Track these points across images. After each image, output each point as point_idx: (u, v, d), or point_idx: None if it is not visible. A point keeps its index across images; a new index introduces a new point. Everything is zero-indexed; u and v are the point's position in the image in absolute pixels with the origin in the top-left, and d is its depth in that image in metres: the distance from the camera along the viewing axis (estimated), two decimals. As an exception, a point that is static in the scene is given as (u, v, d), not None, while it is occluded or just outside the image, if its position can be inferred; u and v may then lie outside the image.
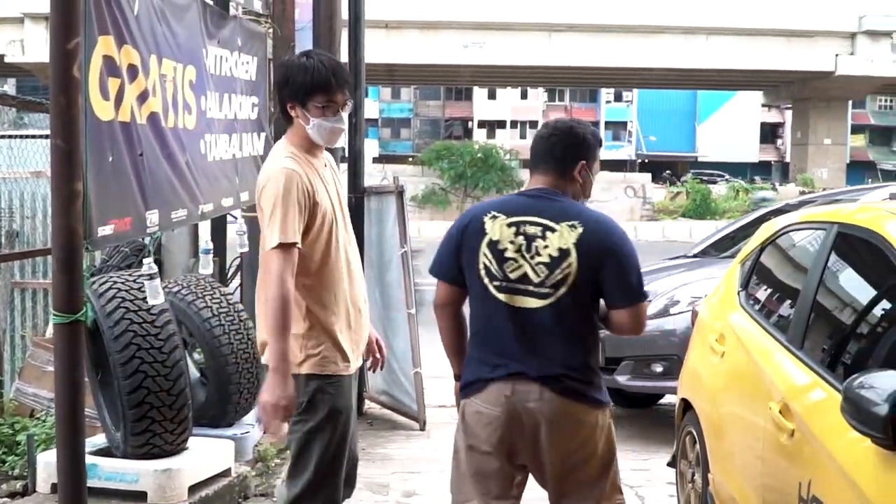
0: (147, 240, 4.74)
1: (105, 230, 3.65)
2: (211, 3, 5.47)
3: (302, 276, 3.71)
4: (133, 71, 3.86)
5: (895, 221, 3.68)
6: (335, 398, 3.85)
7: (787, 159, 61.24)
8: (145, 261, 4.21)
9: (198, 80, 4.64)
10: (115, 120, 3.75)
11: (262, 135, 6.16)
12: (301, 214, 3.67)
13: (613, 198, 36.55)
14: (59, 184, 3.23)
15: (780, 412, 3.83)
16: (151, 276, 4.15)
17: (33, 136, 7.80)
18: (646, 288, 3.74)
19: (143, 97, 3.95)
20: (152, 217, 4.00)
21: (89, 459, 4.64)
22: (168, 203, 4.21)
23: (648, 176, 42.58)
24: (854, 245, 4.04)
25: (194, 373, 5.86)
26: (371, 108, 71.19)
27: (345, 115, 3.89)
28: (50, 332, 6.25)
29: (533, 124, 78.79)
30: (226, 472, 5.35)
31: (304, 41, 7.54)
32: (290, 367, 3.64)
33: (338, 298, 3.87)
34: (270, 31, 6.45)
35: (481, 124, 77.81)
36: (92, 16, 3.52)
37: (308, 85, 3.74)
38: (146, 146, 3.95)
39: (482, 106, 78.09)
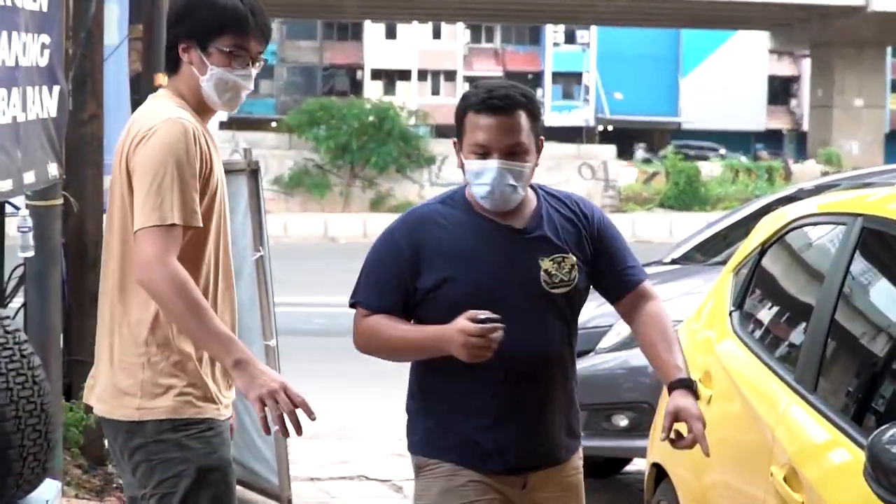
0: None
1: None
2: None
3: None
4: None
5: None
6: (205, 451, 3.77)
7: (805, 127, 62.19)
8: None
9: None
10: None
11: (56, 89, 6.09)
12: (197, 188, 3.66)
13: (564, 179, 36.73)
14: None
15: (784, 480, 3.88)
16: None
17: None
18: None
19: None
20: None
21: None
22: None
23: (613, 149, 43.10)
24: (888, 245, 4.11)
25: (-44, 433, 5.77)
26: (217, 52, 70.71)
27: (254, 72, 3.87)
28: None
29: (449, 75, 79.21)
30: (1, 577, 5.30)
31: (115, -45, 7.52)
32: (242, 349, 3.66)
33: None
34: (68, -61, 6.40)
35: (375, 75, 77.87)
36: None
37: (218, 21, 3.72)
38: None
39: (377, 49, 77.99)
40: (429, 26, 74.91)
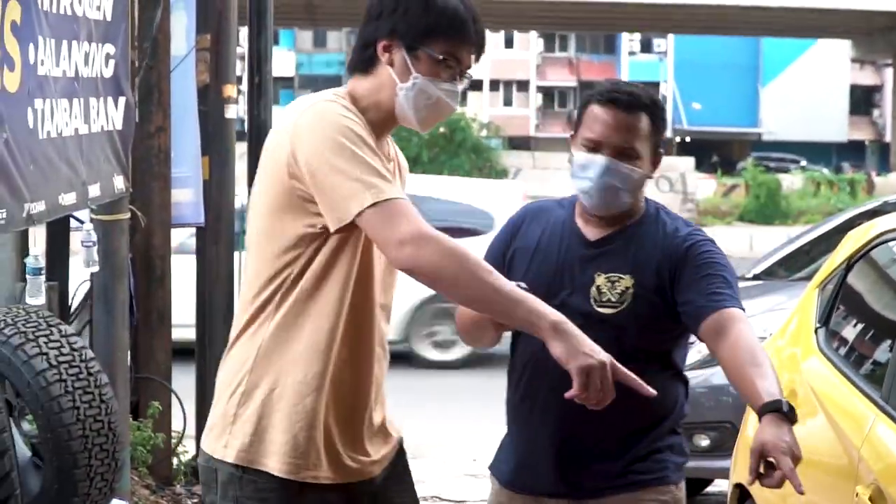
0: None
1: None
2: None
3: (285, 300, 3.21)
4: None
5: None
6: None
7: (888, 138, 61.85)
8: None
9: (25, 21, 4.59)
10: None
11: (122, 100, 6.11)
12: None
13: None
14: None
15: (870, 500, 3.87)
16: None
17: None
18: None
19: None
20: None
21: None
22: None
23: (691, 161, 42.93)
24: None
25: (24, 450, 5.78)
26: (285, 62, 71.21)
27: (461, 88, 3.39)
28: None
29: (522, 86, 79.32)
30: None
31: (182, -35, 7.56)
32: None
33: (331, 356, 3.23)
34: (133, -51, 6.44)
35: (447, 85, 77.92)
36: None
37: (434, 21, 3.21)
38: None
39: (447, 58, 78.16)
40: (501, 35, 74.96)
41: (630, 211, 3.74)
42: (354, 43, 3.38)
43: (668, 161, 43.71)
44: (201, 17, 7.80)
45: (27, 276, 5.45)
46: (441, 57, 3.21)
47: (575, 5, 44.58)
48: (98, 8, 5.70)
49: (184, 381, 7.99)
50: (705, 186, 43.11)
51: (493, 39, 75.53)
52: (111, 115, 5.97)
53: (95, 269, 6.42)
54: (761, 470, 3.18)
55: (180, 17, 7.53)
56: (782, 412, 3.23)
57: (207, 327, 8.08)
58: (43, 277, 5.32)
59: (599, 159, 3.59)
